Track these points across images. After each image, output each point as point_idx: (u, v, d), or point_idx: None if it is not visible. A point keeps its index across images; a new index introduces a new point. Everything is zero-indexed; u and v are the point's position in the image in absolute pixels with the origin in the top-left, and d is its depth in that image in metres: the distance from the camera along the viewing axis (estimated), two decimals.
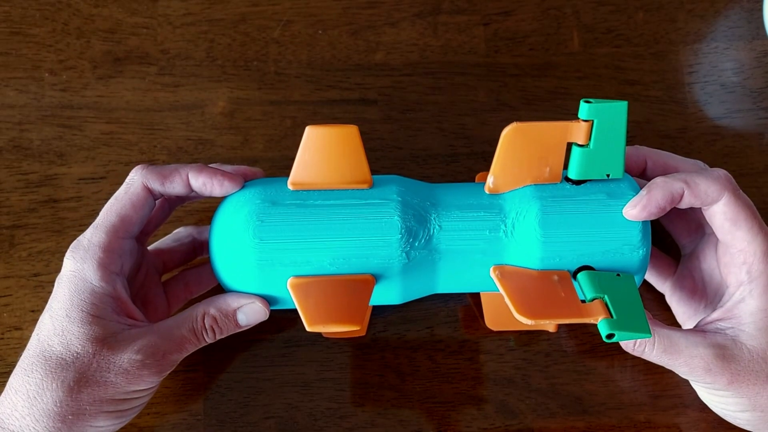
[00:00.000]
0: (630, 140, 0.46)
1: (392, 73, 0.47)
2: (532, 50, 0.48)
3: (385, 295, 0.38)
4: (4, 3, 0.47)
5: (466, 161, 0.46)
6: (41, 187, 0.45)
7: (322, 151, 0.36)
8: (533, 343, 0.43)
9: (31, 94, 0.46)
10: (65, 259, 0.36)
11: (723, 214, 0.35)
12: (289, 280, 0.36)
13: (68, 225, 0.44)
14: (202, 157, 0.45)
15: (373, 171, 0.45)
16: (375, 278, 0.36)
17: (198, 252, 0.43)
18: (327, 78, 0.47)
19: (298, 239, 0.36)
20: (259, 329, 0.40)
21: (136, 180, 0.37)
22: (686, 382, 0.42)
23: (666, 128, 0.46)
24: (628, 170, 0.39)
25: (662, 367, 0.40)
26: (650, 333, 0.33)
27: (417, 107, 0.46)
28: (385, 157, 0.46)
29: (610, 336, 0.32)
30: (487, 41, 0.48)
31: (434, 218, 0.36)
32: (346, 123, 0.37)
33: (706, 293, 0.39)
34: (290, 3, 0.48)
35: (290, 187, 0.37)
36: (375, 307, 0.43)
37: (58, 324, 0.34)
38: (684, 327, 0.38)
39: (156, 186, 0.37)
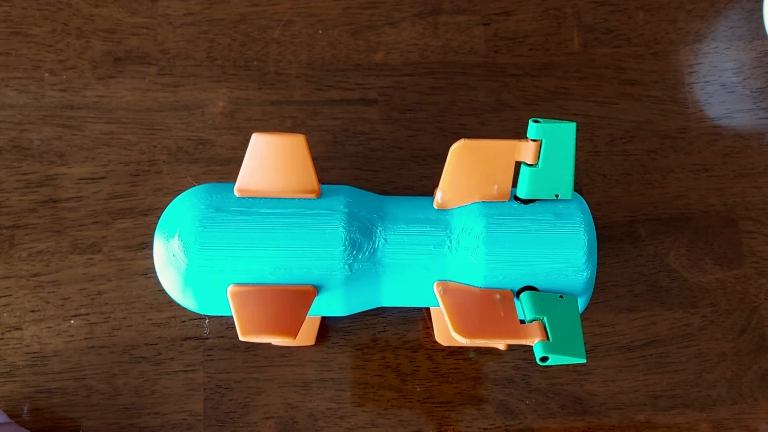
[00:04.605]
0: (630, 140, 0.46)
1: (392, 73, 0.47)
2: (532, 50, 0.48)
3: (329, 306, 0.37)
4: (4, 3, 0.47)
5: None
6: (41, 187, 0.45)
7: (269, 160, 0.35)
8: None
9: (31, 94, 0.46)
10: None
11: None
12: (229, 288, 0.35)
13: (68, 225, 0.44)
14: (202, 156, 0.45)
15: (374, 171, 0.45)
16: (317, 289, 0.36)
17: None
18: (327, 78, 0.47)
19: (240, 247, 0.35)
20: None
21: None
22: (686, 382, 0.42)
23: (666, 128, 0.46)
24: None
25: (662, 367, 0.40)
26: (585, 358, 0.32)
27: (417, 107, 0.46)
28: (386, 158, 0.46)
29: (543, 359, 0.32)
30: (488, 41, 0.48)
31: (380, 231, 0.36)
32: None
33: None
34: (290, 3, 0.48)
35: (236, 193, 0.36)
36: (375, 307, 0.43)
37: None
38: None
39: None
